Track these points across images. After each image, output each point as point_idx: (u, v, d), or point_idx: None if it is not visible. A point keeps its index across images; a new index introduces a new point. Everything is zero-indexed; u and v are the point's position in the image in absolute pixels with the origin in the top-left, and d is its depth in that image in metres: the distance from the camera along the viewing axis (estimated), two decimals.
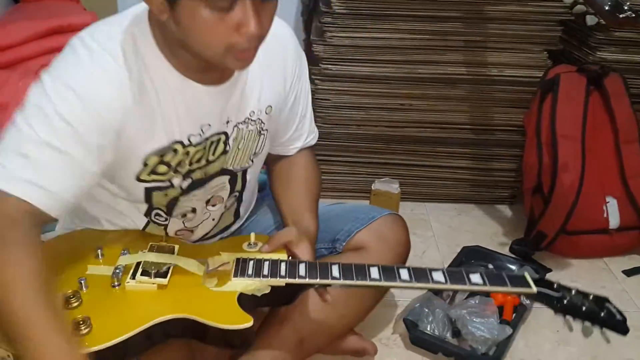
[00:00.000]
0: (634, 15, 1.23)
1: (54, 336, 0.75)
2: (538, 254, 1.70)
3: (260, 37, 0.85)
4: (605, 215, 1.69)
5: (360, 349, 1.26)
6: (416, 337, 1.31)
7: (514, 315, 1.39)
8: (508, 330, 1.31)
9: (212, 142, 1.01)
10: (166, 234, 1.09)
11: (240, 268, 0.98)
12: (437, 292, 1.42)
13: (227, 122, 1.02)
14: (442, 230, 1.84)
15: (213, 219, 1.12)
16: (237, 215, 1.18)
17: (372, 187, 1.82)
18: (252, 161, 1.11)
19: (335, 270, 0.97)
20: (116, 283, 0.94)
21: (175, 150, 0.97)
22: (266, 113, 1.07)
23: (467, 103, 1.88)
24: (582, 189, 1.65)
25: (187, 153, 0.99)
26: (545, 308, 0.98)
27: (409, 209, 1.89)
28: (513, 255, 1.68)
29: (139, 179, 0.97)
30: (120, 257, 0.99)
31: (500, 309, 1.37)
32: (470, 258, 1.60)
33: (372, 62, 1.81)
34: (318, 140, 1.93)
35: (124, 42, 0.88)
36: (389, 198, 1.80)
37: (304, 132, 1.21)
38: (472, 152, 1.94)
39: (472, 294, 1.40)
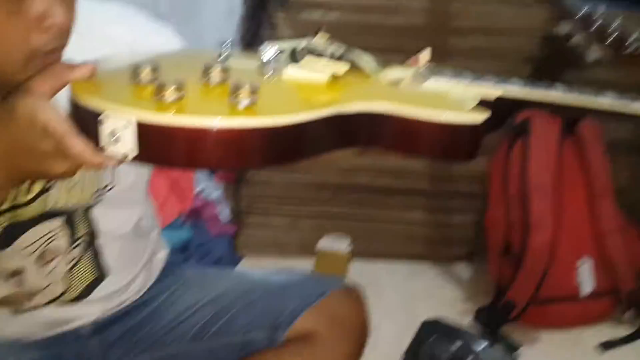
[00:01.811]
0: None
1: None
2: (506, 325, 1.49)
3: (67, 32, 0.65)
4: (577, 280, 1.50)
5: None
6: None
7: None
8: None
9: None
10: None
11: (432, 72, 0.68)
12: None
13: None
14: (397, 297, 1.61)
15: (57, 282, 0.84)
16: (99, 269, 0.88)
17: (318, 247, 1.57)
18: (99, 199, 0.83)
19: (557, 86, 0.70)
20: (270, 71, 0.62)
21: None
22: None
23: None
24: (555, 249, 1.47)
25: None
26: None
27: (360, 270, 1.64)
28: (479, 328, 1.48)
29: None
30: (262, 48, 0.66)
31: None
32: (431, 335, 1.36)
33: None
34: (257, 189, 1.71)
35: None
36: (336, 259, 1.55)
37: None
38: (428, 202, 1.74)
39: None
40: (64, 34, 0.64)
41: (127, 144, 0.52)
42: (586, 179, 1.54)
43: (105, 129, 0.52)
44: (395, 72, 0.69)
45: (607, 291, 1.54)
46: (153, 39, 0.82)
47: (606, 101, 0.71)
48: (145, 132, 0.51)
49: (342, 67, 0.64)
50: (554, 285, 1.48)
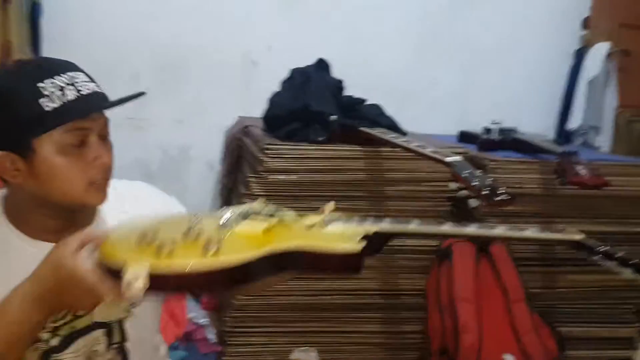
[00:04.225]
0: (509, 197, 1.47)
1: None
2: None
3: (111, 168, 1.01)
4: None
5: None
6: None
7: None
8: None
9: None
10: None
11: (331, 220, 1.00)
12: None
13: None
14: None
15: None
16: None
17: (291, 358, 1.90)
18: (130, 312, 1.11)
19: (414, 223, 1.00)
20: (227, 228, 0.94)
21: None
22: None
23: (375, 271, 2.06)
24: (482, 349, 1.82)
25: None
26: None
27: None
28: None
29: None
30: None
31: None
32: None
33: None
34: (235, 313, 2.03)
35: None
36: None
37: None
38: (382, 316, 2.08)
39: None
40: (108, 170, 1.00)
41: (140, 283, 0.78)
42: (501, 289, 1.94)
43: (125, 275, 0.79)
44: (309, 220, 1.01)
45: None
46: (160, 201, 1.20)
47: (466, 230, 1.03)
48: (152, 275, 0.79)
49: (272, 222, 0.97)
50: None
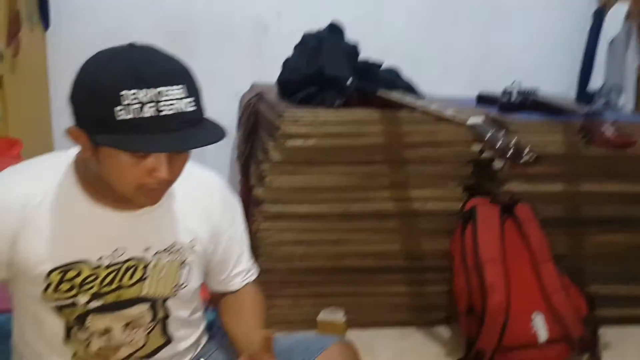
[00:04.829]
0: (534, 157, 1.43)
1: None
2: None
3: (170, 182, 1.00)
4: (533, 330, 1.82)
5: None
6: None
7: None
8: None
9: (128, 267, 1.07)
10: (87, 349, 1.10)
11: None
12: None
13: (147, 248, 1.08)
14: (388, 358, 1.91)
15: (138, 341, 1.14)
16: (166, 336, 1.19)
17: (318, 319, 1.89)
18: (176, 293, 1.14)
19: None
20: None
21: (79, 269, 1.04)
22: (190, 247, 1.13)
23: (397, 234, 2.04)
24: (510, 307, 1.80)
25: (96, 274, 1.05)
26: None
27: (356, 337, 1.93)
28: None
29: (45, 298, 1.04)
30: None
31: None
32: None
33: (309, 202, 1.96)
34: (263, 276, 2.03)
35: (45, 167, 1.05)
36: (335, 327, 1.86)
37: (242, 270, 1.27)
38: (407, 278, 2.07)
39: None
40: (165, 183, 0.99)
41: None
42: (528, 250, 1.91)
43: None
44: None
45: (561, 338, 1.85)
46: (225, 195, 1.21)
47: None
48: None
49: None
50: (514, 336, 1.80)
